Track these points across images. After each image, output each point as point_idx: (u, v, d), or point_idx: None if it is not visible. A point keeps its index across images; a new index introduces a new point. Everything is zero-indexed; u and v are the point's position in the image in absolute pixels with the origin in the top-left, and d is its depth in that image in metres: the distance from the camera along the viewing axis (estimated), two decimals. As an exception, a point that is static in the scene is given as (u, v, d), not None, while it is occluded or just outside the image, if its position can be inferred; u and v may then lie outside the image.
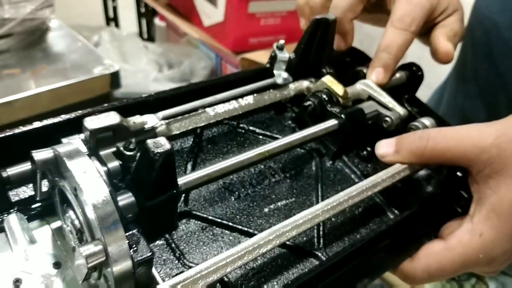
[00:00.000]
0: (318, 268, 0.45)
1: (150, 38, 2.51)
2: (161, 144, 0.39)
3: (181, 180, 0.43)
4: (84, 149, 0.44)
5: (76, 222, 0.39)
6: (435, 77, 0.94)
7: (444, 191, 0.55)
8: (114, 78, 1.28)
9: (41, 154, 0.38)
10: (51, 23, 1.43)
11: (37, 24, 1.34)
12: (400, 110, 0.57)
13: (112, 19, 2.73)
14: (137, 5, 2.54)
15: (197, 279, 0.37)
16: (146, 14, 2.51)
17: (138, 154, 0.44)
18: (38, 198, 0.41)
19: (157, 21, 2.30)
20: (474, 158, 0.48)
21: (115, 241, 0.35)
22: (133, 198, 0.41)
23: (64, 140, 0.43)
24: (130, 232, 0.37)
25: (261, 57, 1.55)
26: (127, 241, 0.36)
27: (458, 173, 0.52)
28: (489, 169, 0.48)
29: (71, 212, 0.40)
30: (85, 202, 0.35)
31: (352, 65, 0.67)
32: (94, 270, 0.38)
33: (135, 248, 0.37)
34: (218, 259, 0.39)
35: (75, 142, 0.43)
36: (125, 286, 0.37)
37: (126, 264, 0.36)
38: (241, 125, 0.59)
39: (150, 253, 0.37)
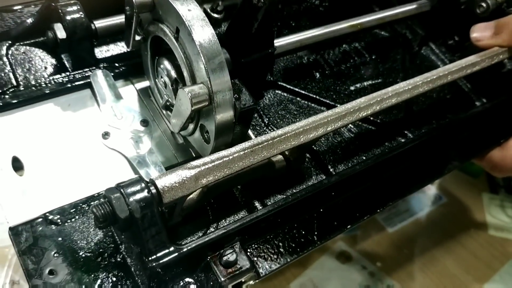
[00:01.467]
0: (407, 144, 0.43)
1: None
2: (265, -8, 0.36)
3: (275, 43, 0.41)
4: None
5: (172, 72, 0.37)
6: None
7: None
8: None
9: (139, -4, 0.36)
10: None
11: None
12: (499, -7, 0.53)
13: None
14: None
15: (287, 139, 0.35)
16: None
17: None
18: (130, 48, 0.39)
19: None
20: None
21: (220, 85, 0.33)
22: (228, 55, 0.39)
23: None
24: (233, 81, 0.35)
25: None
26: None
27: None
28: None
29: (166, 63, 0.38)
30: (190, 41, 0.33)
31: None
32: (191, 120, 0.36)
33: (238, 96, 0.35)
34: (305, 123, 0.36)
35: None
36: (223, 138, 0.36)
37: (229, 113, 0.34)
38: (324, 4, 0.55)
39: (253, 103, 0.35)
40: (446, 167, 0.45)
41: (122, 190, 0.29)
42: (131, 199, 0.29)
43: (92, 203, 0.34)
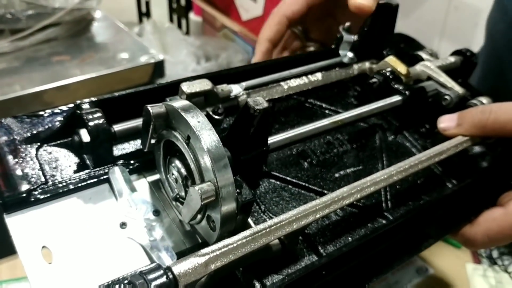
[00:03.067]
0: (387, 225, 0.49)
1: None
2: (260, 102, 0.43)
3: (269, 140, 0.48)
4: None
5: (183, 170, 0.44)
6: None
7: (499, 166, 0.59)
8: (158, 68, 1.33)
9: (155, 108, 0.43)
10: (95, 13, 1.48)
11: (84, 14, 1.39)
12: (459, 89, 0.61)
13: (144, 14, 2.78)
14: (169, 1, 2.59)
15: (282, 227, 0.41)
16: (178, 9, 2.55)
17: (231, 117, 0.49)
18: (146, 150, 0.46)
19: (192, 15, 2.36)
20: None
21: (224, 182, 0.39)
22: (229, 153, 0.45)
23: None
24: (234, 178, 0.41)
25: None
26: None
27: None
28: None
29: (177, 162, 0.44)
30: (199, 147, 0.40)
31: (406, 51, 0.72)
32: (199, 212, 0.42)
33: (239, 191, 0.41)
34: (297, 211, 0.43)
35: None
36: (227, 227, 0.42)
37: (232, 205, 0.40)
38: (309, 100, 0.63)
39: (252, 196, 0.41)
40: (423, 244, 0.51)
41: (144, 276, 0.35)
42: (152, 285, 0.34)
43: (115, 286, 0.39)
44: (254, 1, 1.70)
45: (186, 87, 0.49)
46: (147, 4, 2.75)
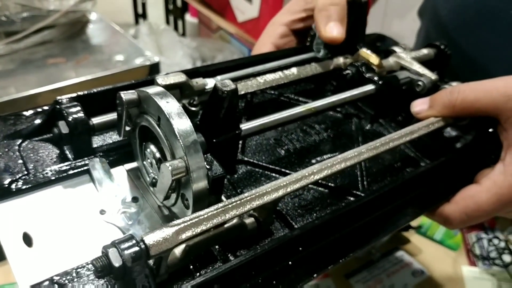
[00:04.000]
0: (361, 200, 0.50)
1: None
2: (227, 84, 0.46)
3: (241, 127, 0.50)
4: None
5: (157, 153, 0.46)
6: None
7: (473, 146, 0.60)
8: (154, 69, 1.34)
9: (128, 94, 0.45)
10: (91, 15, 1.50)
11: (79, 16, 1.41)
12: (431, 75, 0.63)
13: (141, 15, 2.81)
14: (165, 2, 2.62)
15: (252, 199, 0.43)
16: (174, 11, 2.57)
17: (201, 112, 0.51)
18: (121, 137, 0.48)
19: (188, 17, 2.38)
20: (502, 106, 0.54)
21: (194, 158, 0.41)
22: (202, 138, 0.47)
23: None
24: (205, 155, 0.43)
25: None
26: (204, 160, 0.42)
27: (490, 129, 0.57)
28: None
29: (151, 146, 0.46)
30: (169, 126, 0.41)
31: (382, 49, 0.74)
32: (172, 190, 0.44)
33: (210, 167, 0.43)
34: (269, 185, 0.44)
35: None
36: (200, 204, 0.43)
37: (203, 181, 0.42)
38: (285, 95, 0.65)
39: (222, 171, 0.43)
40: (400, 221, 0.52)
41: (116, 245, 0.36)
42: (124, 252, 0.36)
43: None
44: (249, 3, 1.73)
45: (160, 80, 0.51)
46: (143, 5, 2.78)
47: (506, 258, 0.93)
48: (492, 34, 0.83)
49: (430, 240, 0.99)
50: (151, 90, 0.44)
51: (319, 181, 0.52)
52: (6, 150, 0.49)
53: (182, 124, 0.41)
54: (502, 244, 0.96)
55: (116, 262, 0.35)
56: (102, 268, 0.35)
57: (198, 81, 0.55)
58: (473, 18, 0.85)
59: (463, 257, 0.95)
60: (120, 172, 0.52)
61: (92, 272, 0.41)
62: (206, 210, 0.40)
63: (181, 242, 0.38)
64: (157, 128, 0.43)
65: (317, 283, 0.87)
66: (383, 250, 0.94)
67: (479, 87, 0.55)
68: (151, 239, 0.37)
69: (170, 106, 0.42)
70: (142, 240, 0.37)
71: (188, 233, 0.39)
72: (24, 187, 0.47)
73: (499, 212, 0.55)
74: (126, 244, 0.36)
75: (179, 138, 0.41)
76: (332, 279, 0.88)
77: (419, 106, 0.59)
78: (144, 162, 0.49)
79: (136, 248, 0.36)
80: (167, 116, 0.41)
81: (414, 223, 0.96)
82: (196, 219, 0.39)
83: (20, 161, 0.49)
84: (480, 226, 1.01)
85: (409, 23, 1.85)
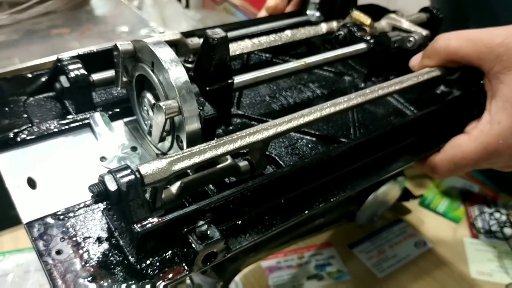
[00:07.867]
0: (351, 142, 0.51)
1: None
2: (218, 32, 0.48)
3: (235, 79, 0.52)
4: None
5: (152, 100, 0.48)
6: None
7: (461, 99, 0.62)
8: None
9: (124, 45, 0.47)
10: None
11: None
12: (422, 30, 0.64)
13: None
14: None
15: (243, 137, 0.44)
16: None
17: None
18: (119, 87, 0.50)
19: None
20: (484, 57, 0.54)
21: (186, 99, 0.43)
22: (197, 88, 0.49)
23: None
24: (197, 98, 0.45)
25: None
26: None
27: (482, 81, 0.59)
28: (499, 66, 0.54)
29: (147, 95, 0.48)
30: (162, 68, 0.44)
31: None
32: (167, 132, 0.46)
33: (202, 108, 0.45)
34: (259, 126, 0.46)
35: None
36: (194, 145, 0.45)
37: (196, 121, 0.44)
38: (279, 57, 0.67)
39: (214, 112, 0.45)
40: (391, 166, 0.54)
41: (113, 174, 0.38)
42: (121, 181, 0.38)
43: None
44: (255, -25, 1.73)
45: (157, 37, 0.53)
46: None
47: (507, 231, 0.94)
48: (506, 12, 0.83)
49: (433, 212, 1.00)
50: (146, 40, 0.46)
51: (313, 131, 0.54)
52: (12, 106, 0.52)
53: (174, 66, 0.43)
54: (504, 218, 0.97)
55: (112, 187, 0.37)
56: (99, 193, 0.38)
57: (193, 40, 0.57)
58: None
59: (465, 230, 0.96)
60: (120, 125, 0.54)
61: (91, 209, 0.43)
62: (199, 145, 0.42)
63: (174, 173, 0.40)
64: (151, 73, 0.46)
65: (321, 251, 0.88)
66: (385, 222, 0.96)
67: (464, 36, 0.56)
68: (145, 169, 0.39)
69: (163, 51, 0.44)
70: (138, 170, 0.39)
71: (181, 165, 0.40)
72: (28, 137, 0.49)
73: (485, 161, 0.55)
74: (122, 173, 0.38)
75: (171, 79, 0.43)
76: (335, 248, 0.89)
77: (414, 60, 0.61)
78: (142, 113, 0.51)
79: (132, 177, 0.38)
80: (159, 59, 0.43)
81: (416, 193, 0.97)
82: (189, 152, 0.41)
83: (25, 115, 0.51)
84: (483, 200, 1.02)
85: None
